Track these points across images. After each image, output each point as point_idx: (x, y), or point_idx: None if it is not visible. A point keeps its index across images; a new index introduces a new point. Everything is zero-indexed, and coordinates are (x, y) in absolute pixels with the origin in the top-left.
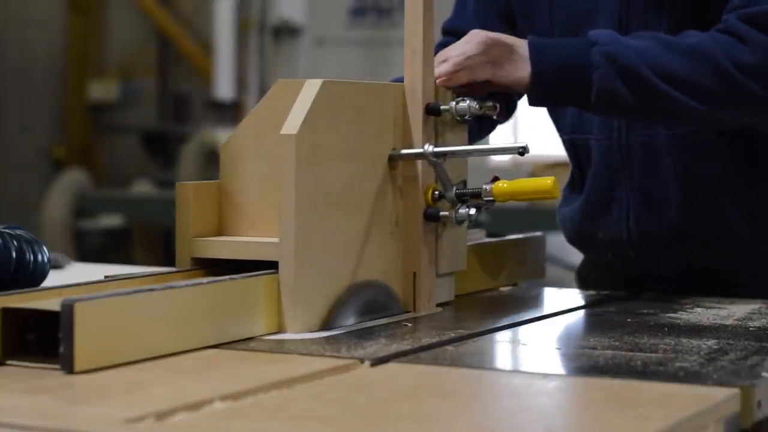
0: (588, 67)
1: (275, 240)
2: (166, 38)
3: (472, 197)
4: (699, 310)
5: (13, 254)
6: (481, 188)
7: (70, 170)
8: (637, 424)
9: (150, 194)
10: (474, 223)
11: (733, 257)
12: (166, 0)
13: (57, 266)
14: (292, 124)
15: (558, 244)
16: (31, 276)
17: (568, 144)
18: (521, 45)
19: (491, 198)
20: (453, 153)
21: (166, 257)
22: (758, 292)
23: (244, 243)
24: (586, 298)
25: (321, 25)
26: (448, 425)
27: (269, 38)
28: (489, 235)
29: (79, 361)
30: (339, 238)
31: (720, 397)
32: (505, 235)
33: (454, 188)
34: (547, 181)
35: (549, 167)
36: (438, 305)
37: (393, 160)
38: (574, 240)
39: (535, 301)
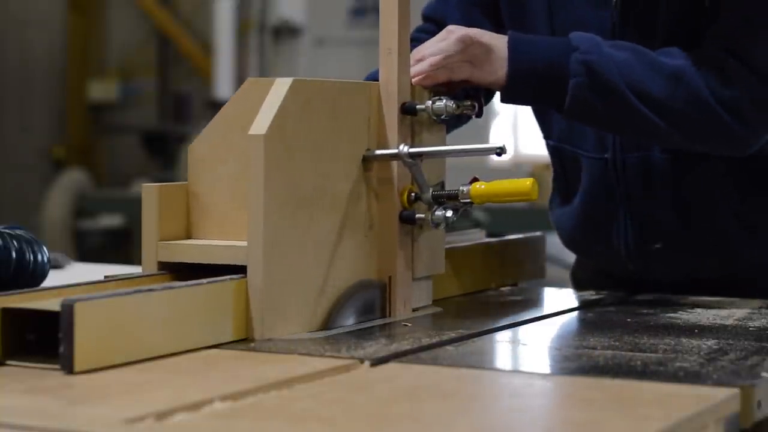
0: (566, 74)
1: (244, 243)
2: (166, 38)
3: (449, 199)
4: (699, 310)
5: (13, 254)
6: (458, 190)
7: (70, 170)
8: (637, 424)
9: None
10: (451, 225)
11: (732, 269)
12: (166, 0)
13: (57, 266)
14: (261, 124)
15: (558, 244)
16: (31, 276)
17: (554, 150)
18: (499, 43)
19: (468, 200)
20: (429, 153)
21: None
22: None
23: (212, 246)
24: (586, 298)
25: (321, 25)
26: (448, 425)
27: (269, 38)
28: (489, 235)
29: (79, 361)
30: (310, 242)
31: (720, 397)
32: (505, 235)
33: (431, 190)
34: (525, 183)
35: (548, 168)
36: (415, 310)
37: (367, 160)
38: (570, 246)
39: (535, 301)
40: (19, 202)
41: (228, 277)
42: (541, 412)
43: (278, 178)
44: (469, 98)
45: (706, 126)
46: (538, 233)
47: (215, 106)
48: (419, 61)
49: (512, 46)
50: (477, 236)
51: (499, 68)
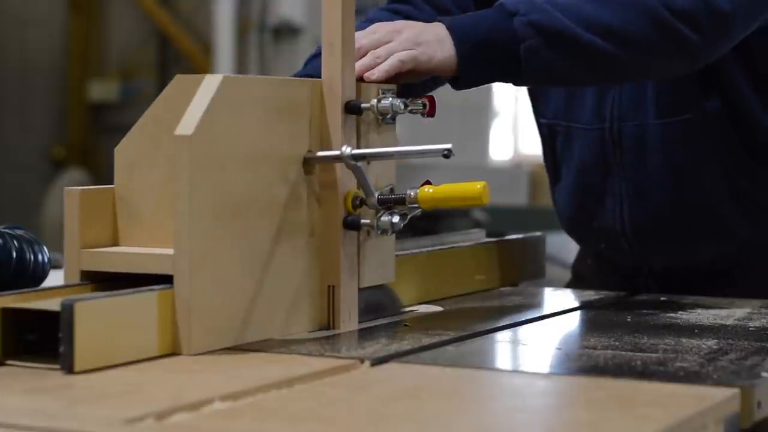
0: (515, 40)
1: (169, 251)
2: (166, 38)
3: (396, 204)
4: (699, 310)
5: (13, 254)
6: (405, 194)
7: (70, 170)
8: (637, 424)
9: None
10: (397, 232)
11: (727, 248)
12: (166, 0)
13: (57, 266)
14: (188, 123)
15: (558, 244)
16: (31, 276)
17: (547, 129)
18: (436, 26)
19: (416, 204)
20: (374, 155)
21: None
22: (752, 286)
23: (137, 255)
24: (587, 298)
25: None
26: (448, 425)
27: (269, 38)
28: (489, 235)
29: (79, 361)
30: (244, 250)
31: (720, 397)
32: (505, 235)
33: (377, 194)
34: (475, 187)
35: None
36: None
37: (308, 163)
38: (569, 229)
39: (535, 301)
40: (19, 202)
41: (156, 287)
42: (541, 412)
43: (207, 182)
44: (420, 96)
45: (666, 42)
46: (538, 233)
47: None
48: (360, 56)
49: (449, 25)
50: (477, 236)
51: (447, 47)
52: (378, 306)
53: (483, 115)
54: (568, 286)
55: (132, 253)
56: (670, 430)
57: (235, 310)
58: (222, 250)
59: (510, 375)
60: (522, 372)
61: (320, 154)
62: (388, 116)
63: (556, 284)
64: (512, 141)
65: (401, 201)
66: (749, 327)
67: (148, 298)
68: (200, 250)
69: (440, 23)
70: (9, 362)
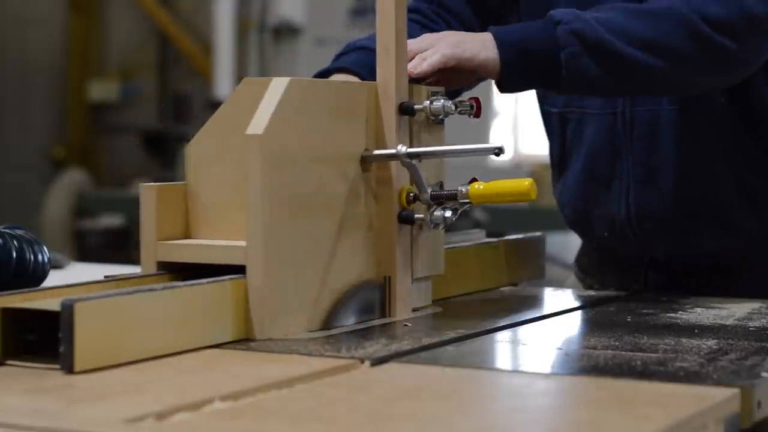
0: (556, 47)
1: (243, 243)
2: (166, 38)
3: (448, 199)
4: (699, 310)
5: (13, 254)
6: (457, 190)
7: (70, 170)
8: (637, 424)
9: None
10: (450, 226)
11: (731, 242)
12: (166, 0)
13: (57, 266)
14: (258, 124)
15: (558, 244)
16: (31, 276)
17: (557, 117)
18: (481, 33)
19: (467, 200)
20: (427, 154)
21: None
22: (755, 281)
23: (211, 247)
24: (586, 298)
25: (321, 25)
26: (448, 425)
27: (269, 38)
28: (489, 235)
29: (79, 361)
30: (309, 242)
31: (720, 397)
32: (505, 235)
33: (430, 190)
34: (524, 183)
35: (546, 167)
36: (414, 310)
37: (366, 161)
38: (573, 220)
39: (535, 301)
40: (19, 202)
41: (227, 277)
42: (541, 412)
43: (276, 178)
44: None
45: (704, 53)
46: (538, 233)
47: (215, 106)
48: (409, 60)
49: (495, 32)
50: (477, 236)
51: (490, 50)
52: (377, 307)
53: (483, 115)
54: (570, 285)
55: (206, 245)
56: (670, 430)
57: (302, 298)
58: (290, 242)
59: (510, 375)
60: (522, 372)
61: (377, 152)
62: (440, 117)
63: (556, 284)
64: (512, 141)
65: (453, 197)
66: (749, 327)
67: (148, 298)
68: (270, 242)
69: (487, 31)
70: (9, 362)
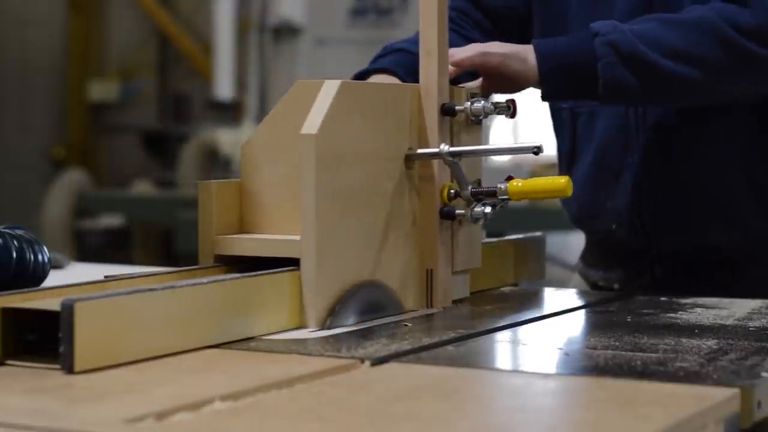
0: (593, 58)
1: (296, 237)
2: (166, 38)
3: (487, 196)
4: (699, 310)
5: (13, 254)
6: (496, 187)
7: (70, 170)
8: (637, 424)
9: (150, 194)
10: (489, 221)
11: (738, 237)
12: (166, 0)
13: (57, 266)
14: (312, 123)
15: (558, 244)
16: (31, 276)
17: (568, 112)
18: (523, 45)
19: (506, 196)
20: (468, 153)
21: (166, 257)
22: (758, 278)
23: (266, 240)
24: (586, 298)
25: (321, 25)
26: (448, 425)
27: (269, 38)
28: (489, 235)
29: (79, 361)
30: (359, 237)
31: (720, 397)
32: (505, 235)
33: (470, 187)
34: (561, 181)
35: (548, 167)
36: (454, 302)
37: (409, 159)
38: (578, 216)
39: (535, 301)
40: (19, 202)
41: (286, 269)
42: (541, 411)
43: (328, 175)
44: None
45: (737, 61)
46: (538, 233)
47: (215, 106)
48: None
49: (536, 44)
50: None
51: (530, 59)
52: (378, 306)
53: None
54: (575, 284)
55: (262, 239)
56: (670, 430)
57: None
58: (341, 237)
59: (510, 375)
60: (522, 372)
61: (420, 151)
62: (479, 117)
63: (556, 284)
64: (512, 141)
65: (492, 193)
66: (749, 327)
67: (148, 298)
68: (323, 236)
69: (530, 44)
70: (9, 362)
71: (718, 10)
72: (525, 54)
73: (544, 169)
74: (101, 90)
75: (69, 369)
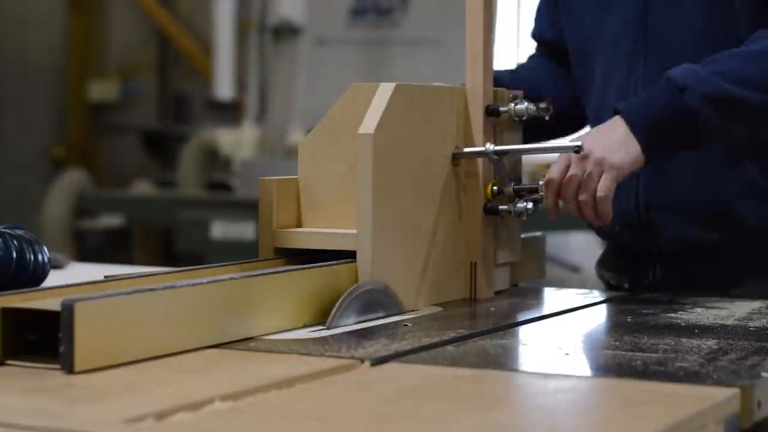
0: (690, 118)
1: (353, 231)
2: (166, 38)
3: (529, 192)
4: (699, 310)
5: (13, 254)
6: (538, 184)
7: (70, 170)
8: (637, 424)
9: (150, 194)
10: (530, 216)
11: (735, 234)
12: (166, 0)
13: (57, 266)
14: (369, 124)
15: (558, 244)
16: (31, 276)
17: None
18: (614, 126)
19: None
20: (512, 151)
21: (166, 257)
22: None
23: (324, 234)
24: (586, 298)
25: (321, 25)
26: (448, 425)
27: (269, 38)
28: None
29: (79, 361)
30: (411, 231)
31: (720, 397)
32: None
33: (512, 184)
34: None
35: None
36: (496, 293)
37: (456, 158)
38: None
39: (535, 301)
40: (19, 202)
41: (343, 260)
42: (541, 411)
43: (382, 173)
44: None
45: None
46: (538, 233)
47: (215, 106)
48: (554, 192)
49: (626, 117)
50: None
51: (631, 147)
52: (378, 306)
53: None
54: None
55: (321, 233)
56: (670, 430)
57: (406, 282)
58: (394, 231)
59: (510, 375)
60: (522, 372)
61: (467, 150)
62: (522, 117)
63: (556, 284)
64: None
65: (534, 190)
66: (749, 327)
67: (148, 298)
68: (378, 230)
69: (617, 116)
70: (9, 362)
71: None
72: (624, 143)
73: (543, 169)
74: (101, 90)
75: (69, 369)
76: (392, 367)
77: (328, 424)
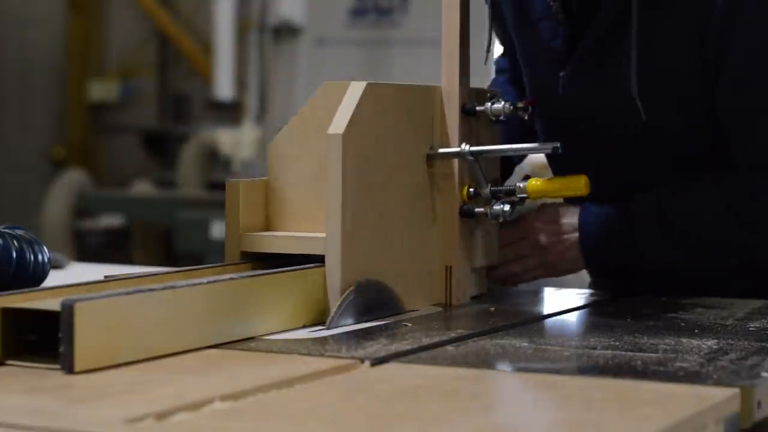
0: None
1: (321, 235)
2: (166, 38)
3: (506, 194)
4: (699, 310)
5: (13, 254)
6: (515, 186)
7: (70, 170)
8: (637, 424)
9: (150, 194)
10: (507, 219)
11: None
12: (166, 0)
13: (57, 266)
14: (339, 123)
15: None
16: (31, 276)
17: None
18: (571, 251)
19: (525, 195)
20: (489, 152)
21: (166, 257)
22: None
23: (292, 237)
24: (586, 298)
25: (321, 25)
26: (448, 425)
27: (269, 38)
28: None
29: (79, 361)
30: (382, 234)
31: (720, 397)
32: None
33: (489, 186)
34: (579, 180)
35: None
36: (472, 298)
37: (431, 158)
38: None
39: (535, 301)
40: (19, 202)
41: (312, 265)
42: (541, 411)
43: (353, 174)
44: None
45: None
46: None
47: (215, 106)
48: (504, 244)
49: (584, 258)
50: None
51: (578, 268)
52: (378, 306)
53: None
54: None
55: (288, 236)
56: (670, 430)
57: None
58: (365, 234)
59: (510, 375)
60: (522, 372)
61: (442, 150)
62: (499, 117)
63: (556, 284)
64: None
65: (511, 192)
66: (749, 327)
67: (148, 298)
68: (348, 233)
69: (579, 244)
70: (9, 362)
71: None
72: (574, 265)
73: (542, 169)
74: (101, 90)
75: (69, 369)
76: (392, 367)
77: (328, 424)
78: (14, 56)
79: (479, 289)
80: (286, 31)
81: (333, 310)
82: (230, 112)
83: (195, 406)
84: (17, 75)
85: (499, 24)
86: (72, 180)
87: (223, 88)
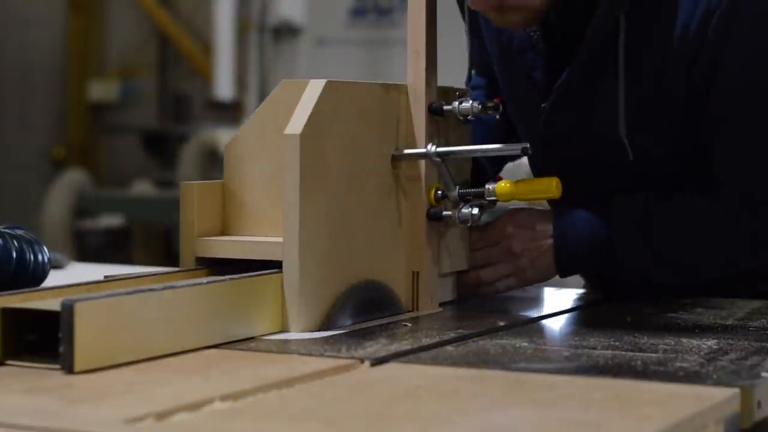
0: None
1: (279, 239)
2: (166, 38)
3: (475, 197)
4: (699, 310)
5: (13, 254)
6: (484, 188)
7: (70, 170)
8: (637, 424)
9: (150, 194)
10: (476, 222)
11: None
12: (166, 0)
13: (57, 266)
14: (296, 123)
15: None
16: (31, 276)
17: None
18: (546, 257)
19: (494, 198)
20: (456, 153)
21: (166, 257)
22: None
23: (249, 243)
24: (586, 298)
25: (321, 25)
26: (448, 425)
27: (269, 38)
28: None
29: (79, 361)
30: (342, 238)
31: (720, 397)
32: None
33: (457, 188)
34: (550, 183)
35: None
36: (441, 305)
37: (396, 159)
38: None
39: (535, 301)
40: (19, 202)
41: (268, 271)
42: (541, 411)
43: (312, 176)
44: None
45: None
46: None
47: (215, 106)
48: (474, 251)
49: (557, 261)
50: None
51: (551, 274)
52: (378, 305)
53: None
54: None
55: (244, 241)
56: (670, 430)
57: (336, 293)
58: (325, 238)
59: (510, 375)
60: (522, 372)
61: (407, 151)
62: (468, 117)
63: (556, 284)
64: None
65: (480, 194)
66: (749, 327)
67: (148, 298)
68: (306, 238)
69: (553, 250)
70: (9, 362)
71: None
72: (549, 272)
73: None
74: (101, 90)
75: (69, 369)
76: (392, 367)
77: (328, 424)
78: (14, 56)
79: (449, 296)
80: (286, 31)
81: (291, 318)
82: (230, 112)
83: (195, 406)
84: (17, 75)
85: (477, 41)
86: (72, 180)
87: (223, 88)
